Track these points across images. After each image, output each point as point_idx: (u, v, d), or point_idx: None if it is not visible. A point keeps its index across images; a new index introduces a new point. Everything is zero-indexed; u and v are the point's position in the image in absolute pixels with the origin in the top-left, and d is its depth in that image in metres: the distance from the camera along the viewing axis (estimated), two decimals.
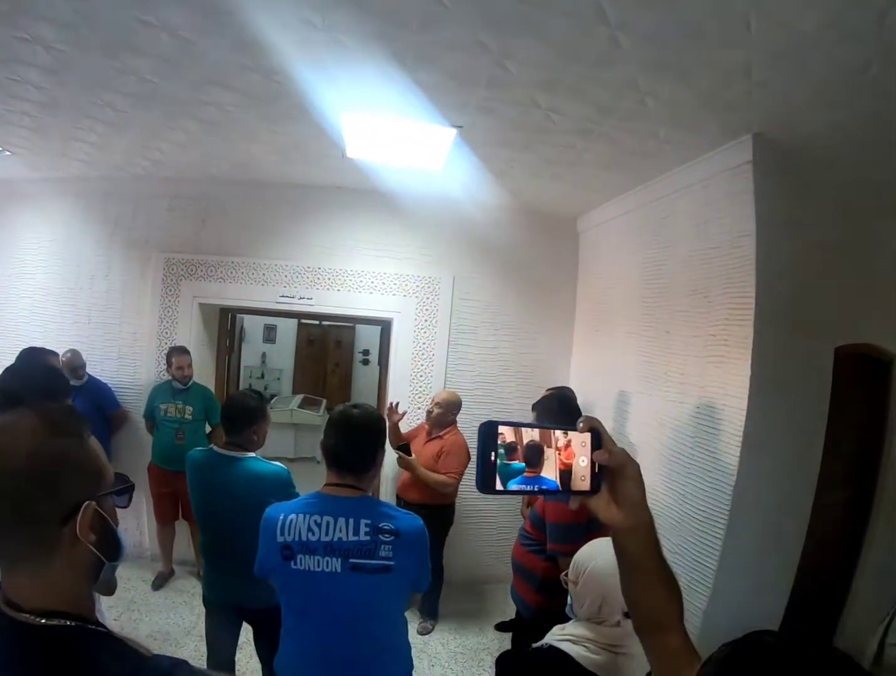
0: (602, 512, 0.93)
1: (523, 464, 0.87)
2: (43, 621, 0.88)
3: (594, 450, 0.93)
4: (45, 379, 2.84)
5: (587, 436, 0.94)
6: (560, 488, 0.90)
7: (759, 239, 2.96)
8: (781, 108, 2.60)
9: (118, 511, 1.07)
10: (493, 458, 0.84)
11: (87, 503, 0.94)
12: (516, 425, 0.88)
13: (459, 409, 4.39)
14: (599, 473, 0.94)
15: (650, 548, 0.95)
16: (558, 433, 0.91)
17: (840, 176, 3.19)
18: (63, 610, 0.91)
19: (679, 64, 2.32)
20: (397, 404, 4.42)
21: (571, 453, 0.92)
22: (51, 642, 0.87)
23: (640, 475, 0.94)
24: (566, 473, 0.91)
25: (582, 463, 0.92)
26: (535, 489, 0.89)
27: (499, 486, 0.85)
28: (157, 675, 0.90)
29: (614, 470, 0.93)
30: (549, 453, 0.90)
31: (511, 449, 0.86)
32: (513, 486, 0.87)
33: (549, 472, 0.90)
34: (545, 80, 2.54)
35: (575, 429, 0.93)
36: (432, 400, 4.34)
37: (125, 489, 1.07)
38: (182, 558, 4.88)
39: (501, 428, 0.86)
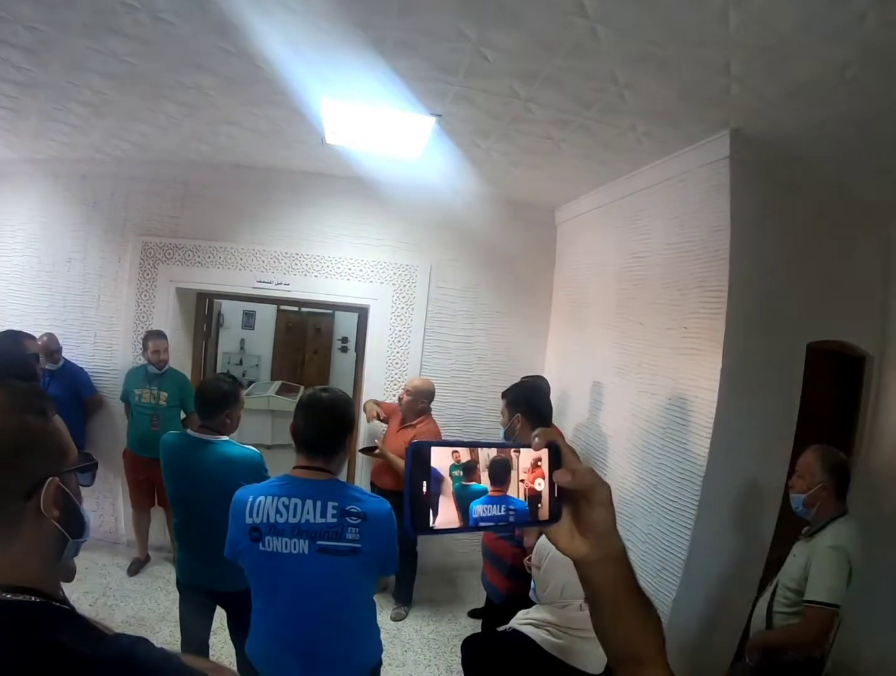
0: (563, 543, 0.78)
1: (484, 486, 0.73)
2: (8, 596, 0.88)
3: (552, 470, 0.77)
4: (13, 363, 2.83)
5: (544, 453, 0.77)
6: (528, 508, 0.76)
7: (734, 234, 2.99)
8: (759, 104, 2.62)
9: (83, 490, 1.08)
10: (424, 489, 0.69)
11: (50, 478, 0.95)
12: (452, 444, 0.73)
13: (432, 397, 4.41)
14: (559, 497, 0.78)
15: (622, 580, 0.80)
16: (509, 451, 0.76)
17: (816, 174, 3.24)
18: (28, 586, 0.91)
19: (658, 58, 2.33)
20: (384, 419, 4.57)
21: (540, 472, 0.77)
22: (14, 617, 0.88)
23: (611, 499, 0.78)
24: (534, 496, 0.77)
25: (538, 487, 0.77)
26: (503, 512, 0.73)
27: (447, 518, 0.70)
28: (117, 652, 0.91)
29: (579, 493, 0.77)
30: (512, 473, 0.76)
31: (469, 468, 0.72)
32: (476, 509, 0.71)
33: (515, 492, 0.75)
34: (524, 71, 2.55)
35: (528, 447, 0.77)
36: (404, 388, 4.37)
37: (88, 466, 1.08)
38: (158, 544, 4.87)
39: (436, 451, 0.71)
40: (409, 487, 0.69)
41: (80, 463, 1.05)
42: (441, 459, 0.71)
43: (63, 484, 0.98)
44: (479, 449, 0.73)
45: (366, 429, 4.95)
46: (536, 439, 0.76)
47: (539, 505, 0.76)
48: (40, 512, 0.93)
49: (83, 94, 3.32)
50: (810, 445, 2.76)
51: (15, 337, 3.68)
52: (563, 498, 0.78)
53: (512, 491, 0.74)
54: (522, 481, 0.75)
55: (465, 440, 0.76)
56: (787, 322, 3.25)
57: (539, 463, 0.77)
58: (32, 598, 0.91)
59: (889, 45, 2.02)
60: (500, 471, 0.74)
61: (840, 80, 2.28)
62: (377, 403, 4.65)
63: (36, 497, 0.93)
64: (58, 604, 0.94)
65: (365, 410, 4.64)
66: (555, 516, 0.77)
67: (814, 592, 2.43)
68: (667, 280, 3.48)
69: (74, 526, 1.02)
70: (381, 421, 4.57)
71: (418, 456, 0.70)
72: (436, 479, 0.70)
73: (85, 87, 3.19)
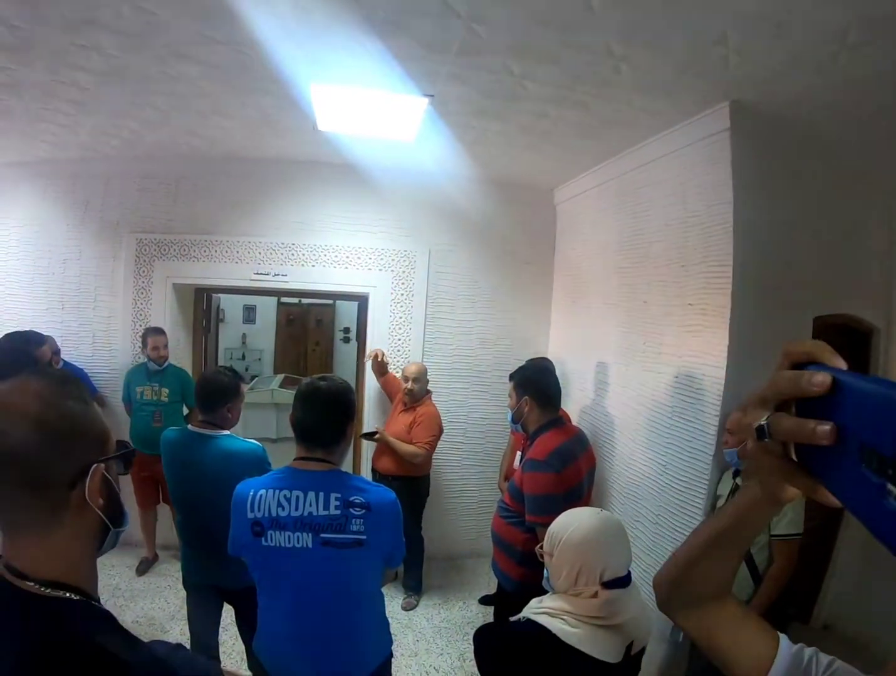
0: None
1: None
2: (48, 591, 0.87)
3: None
4: (9, 364, 2.78)
5: None
6: None
7: (737, 207, 2.94)
8: (759, 74, 2.56)
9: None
10: None
11: (95, 465, 0.94)
12: None
13: (426, 377, 4.42)
14: None
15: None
16: None
17: (819, 144, 3.17)
18: (67, 583, 0.90)
19: (654, 30, 2.27)
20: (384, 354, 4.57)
21: None
22: (53, 614, 0.87)
23: None
24: None
25: None
26: None
27: None
28: (154, 659, 0.90)
29: None
30: None
31: None
32: None
33: None
34: (517, 46, 2.49)
35: None
36: (406, 378, 4.33)
37: (128, 454, 1.07)
38: (165, 542, 4.85)
39: None
40: None
41: (118, 451, 1.03)
42: None
43: (105, 471, 0.97)
44: None
45: (368, 414, 4.93)
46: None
47: None
48: (84, 501, 0.92)
49: (70, 92, 3.26)
50: None
51: (25, 340, 3.65)
52: None
53: None
54: None
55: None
56: (794, 296, 3.21)
57: None
58: (71, 595, 0.89)
59: (890, 9, 1.96)
60: None
61: (841, 46, 2.22)
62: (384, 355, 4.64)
63: (80, 485, 0.92)
64: (96, 604, 0.94)
65: (368, 356, 4.64)
66: None
67: (782, 527, 2.69)
68: (670, 256, 3.43)
69: (116, 514, 1.02)
70: (381, 364, 4.58)
71: None
72: None
73: (71, 84, 3.14)
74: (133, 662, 0.85)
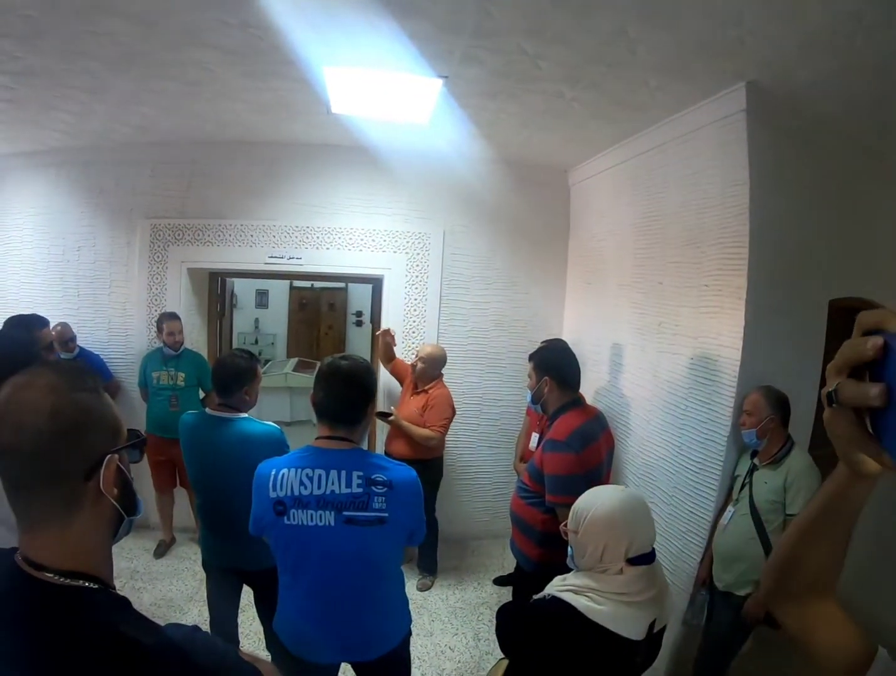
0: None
1: None
2: (67, 581, 0.88)
3: None
4: (15, 352, 2.78)
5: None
6: None
7: (753, 188, 2.92)
8: (775, 55, 2.53)
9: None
10: None
11: (109, 456, 0.95)
12: None
13: (444, 363, 4.40)
14: None
15: (865, 502, 0.83)
16: None
17: (835, 126, 3.14)
18: (85, 571, 0.91)
19: (670, 9, 2.24)
20: (393, 332, 4.51)
21: None
22: (73, 603, 0.88)
23: None
24: None
25: None
26: None
27: None
28: (175, 642, 0.91)
29: None
30: None
31: None
32: None
33: None
34: (531, 27, 2.46)
35: None
36: (417, 355, 4.35)
37: (140, 442, 1.08)
38: (183, 525, 4.91)
39: None
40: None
41: (130, 440, 1.04)
42: None
43: (118, 461, 0.98)
44: None
45: (384, 392, 4.96)
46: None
47: None
48: (100, 492, 0.94)
49: (81, 80, 3.26)
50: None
51: (25, 324, 3.64)
52: None
53: None
54: None
55: None
56: (809, 278, 3.21)
57: None
58: (89, 584, 0.91)
59: None
60: None
61: (857, 27, 2.19)
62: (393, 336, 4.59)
63: (95, 476, 0.93)
64: (113, 591, 0.96)
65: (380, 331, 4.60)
66: None
67: (797, 507, 2.73)
68: (685, 238, 3.41)
69: (130, 503, 1.03)
70: (387, 347, 4.52)
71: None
72: None
73: (83, 71, 3.13)
74: (152, 646, 0.86)
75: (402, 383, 4.60)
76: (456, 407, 4.40)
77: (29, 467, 0.88)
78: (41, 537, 0.91)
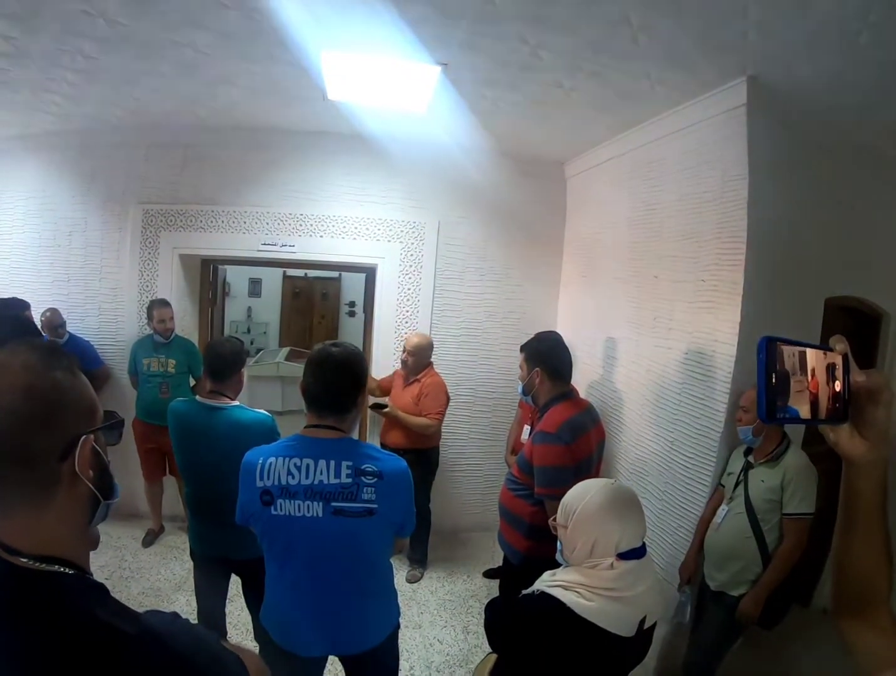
0: (845, 444, 0.85)
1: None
2: (42, 566, 0.86)
3: (846, 373, 0.85)
4: (11, 330, 2.75)
5: (838, 358, 0.86)
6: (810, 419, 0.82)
7: (752, 183, 2.90)
8: (777, 50, 2.51)
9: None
10: (773, 381, 0.76)
11: (84, 437, 0.92)
12: (794, 343, 0.82)
13: (432, 350, 4.40)
14: (848, 399, 0.85)
15: (882, 489, 0.86)
16: (814, 352, 0.84)
17: (836, 124, 3.13)
18: (60, 556, 0.89)
19: (673, 0, 2.21)
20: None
21: (819, 379, 0.83)
22: (48, 589, 0.86)
23: (893, 401, 0.84)
24: (815, 403, 0.82)
25: (836, 388, 0.84)
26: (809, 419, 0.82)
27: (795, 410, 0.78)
28: (154, 629, 0.90)
29: (866, 394, 0.84)
30: (797, 379, 0.81)
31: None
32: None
33: (798, 402, 0.80)
34: (532, 14, 2.42)
35: (831, 350, 0.87)
36: (404, 348, 4.33)
37: (116, 423, 1.05)
38: (171, 514, 4.89)
39: (785, 349, 0.79)
40: (763, 377, 0.76)
41: (106, 421, 1.01)
42: (788, 357, 0.79)
43: (94, 442, 0.95)
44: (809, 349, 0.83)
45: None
46: (838, 344, 0.87)
47: (818, 408, 0.82)
48: (75, 474, 0.91)
49: (75, 61, 3.20)
50: None
51: (9, 306, 3.60)
52: (849, 400, 0.85)
53: (795, 402, 0.80)
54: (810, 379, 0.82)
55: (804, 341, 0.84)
56: (806, 275, 3.20)
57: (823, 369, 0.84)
58: (65, 569, 0.89)
59: None
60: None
61: (862, 24, 2.17)
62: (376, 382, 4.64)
63: (70, 457, 0.90)
64: (91, 577, 0.94)
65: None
66: (843, 416, 0.85)
67: (793, 505, 2.71)
68: (682, 231, 3.39)
69: (106, 486, 1.00)
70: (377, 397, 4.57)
71: (770, 350, 0.77)
72: (782, 374, 0.78)
73: (76, 52, 3.08)
74: (130, 633, 0.85)
75: (390, 386, 4.57)
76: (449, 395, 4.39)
77: (1, 447, 0.85)
78: (15, 520, 0.88)
